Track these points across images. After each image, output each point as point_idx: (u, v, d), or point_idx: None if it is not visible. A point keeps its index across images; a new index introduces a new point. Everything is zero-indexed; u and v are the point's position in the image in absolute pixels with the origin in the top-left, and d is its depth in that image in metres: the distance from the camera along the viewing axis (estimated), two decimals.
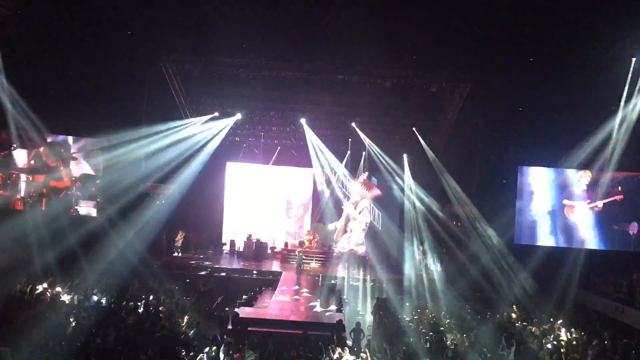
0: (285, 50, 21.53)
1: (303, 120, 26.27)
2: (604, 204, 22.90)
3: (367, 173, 28.05)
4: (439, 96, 23.86)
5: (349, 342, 14.95)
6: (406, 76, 22.57)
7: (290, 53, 21.83)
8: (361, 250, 27.77)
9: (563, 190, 23.14)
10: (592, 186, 23.00)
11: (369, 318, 18.88)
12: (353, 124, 26.24)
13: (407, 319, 17.36)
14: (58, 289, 16.99)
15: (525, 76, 20.90)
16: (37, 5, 18.66)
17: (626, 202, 22.73)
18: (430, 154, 27.46)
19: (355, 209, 28.23)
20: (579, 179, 23.06)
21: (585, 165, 22.80)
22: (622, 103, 20.18)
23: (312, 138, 26.80)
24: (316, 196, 28.84)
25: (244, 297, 19.65)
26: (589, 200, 22.95)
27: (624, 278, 20.13)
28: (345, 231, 28.29)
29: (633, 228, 22.65)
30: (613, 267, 21.06)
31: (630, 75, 19.36)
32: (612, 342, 15.62)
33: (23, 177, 22.66)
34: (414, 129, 26.22)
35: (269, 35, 19.87)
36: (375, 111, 25.49)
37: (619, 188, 22.83)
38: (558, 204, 23.17)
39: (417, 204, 27.20)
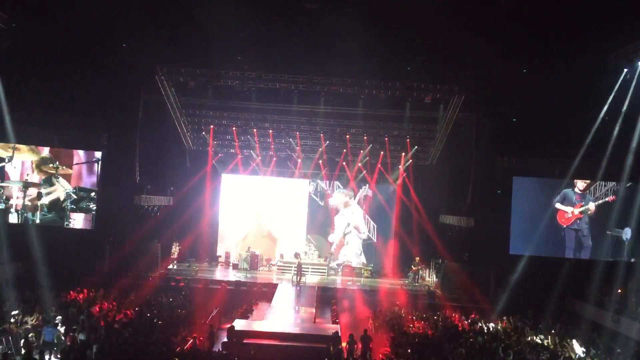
0: (280, 62, 21.61)
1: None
2: (596, 206, 23.00)
3: (367, 186, 28.08)
4: (433, 107, 23.97)
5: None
6: (401, 87, 22.68)
7: (286, 65, 21.91)
8: (358, 261, 27.76)
9: (557, 198, 23.19)
10: (586, 191, 23.11)
11: None
12: (348, 136, 26.32)
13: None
14: None
15: (519, 87, 21.04)
16: (31, 18, 18.66)
17: (619, 208, 22.75)
18: (424, 165, 27.61)
19: (348, 220, 28.34)
20: (575, 184, 23.16)
21: (579, 176, 22.89)
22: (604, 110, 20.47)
23: None
24: (312, 207, 28.83)
25: (240, 309, 19.58)
26: (581, 204, 23.04)
27: (619, 288, 20.16)
28: (343, 244, 28.30)
29: (627, 234, 22.69)
30: (608, 276, 21.06)
31: (617, 86, 19.54)
32: (607, 352, 15.68)
33: (17, 189, 22.55)
34: (407, 139, 26.32)
35: (264, 47, 19.94)
36: (370, 122, 25.57)
37: (612, 192, 22.95)
38: (553, 214, 23.21)
39: (413, 214, 27.27)
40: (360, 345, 15.55)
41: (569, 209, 23.09)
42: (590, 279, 21.06)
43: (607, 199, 22.89)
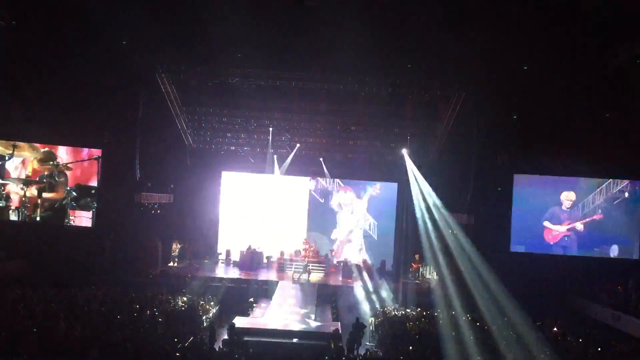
0: (280, 60, 21.56)
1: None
2: (583, 224, 23.01)
3: (377, 185, 27.94)
4: (433, 104, 23.95)
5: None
6: (401, 85, 22.66)
7: (286, 62, 21.86)
8: (359, 259, 27.74)
9: (545, 215, 23.17)
10: (574, 208, 23.07)
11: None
12: (348, 133, 26.31)
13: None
14: None
15: (519, 84, 21.01)
16: (31, 15, 18.64)
17: (606, 225, 22.96)
18: (424, 162, 27.56)
19: (353, 218, 28.30)
20: (562, 200, 23.10)
21: (578, 173, 22.86)
22: None
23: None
24: (312, 205, 28.82)
25: (240, 306, 19.59)
26: (568, 222, 23.00)
27: (620, 285, 20.16)
28: (346, 242, 28.28)
29: (613, 251, 22.66)
30: (608, 274, 21.10)
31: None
32: (608, 349, 15.67)
33: (17, 187, 22.55)
34: (407, 137, 26.31)
35: (265, 44, 19.90)
36: (371, 120, 25.55)
37: (599, 210, 23.10)
38: (551, 212, 23.22)
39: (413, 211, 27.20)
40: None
41: (556, 227, 23.04)
42: (590, 276, 21.10)
43: (594, 217, 22.93)
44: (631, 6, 15.82)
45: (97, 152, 23.14)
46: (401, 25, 18.32)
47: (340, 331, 16.28)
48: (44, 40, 19.68)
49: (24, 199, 22.38)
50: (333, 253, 27.89)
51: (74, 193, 22.93)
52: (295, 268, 24.85)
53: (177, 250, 26.27)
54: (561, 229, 22.91)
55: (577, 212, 22.98)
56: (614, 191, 23.09)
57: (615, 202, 22.87)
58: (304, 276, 23.85)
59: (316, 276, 25.07)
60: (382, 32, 18.34)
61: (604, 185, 23.28)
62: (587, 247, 23.06)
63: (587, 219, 22.87)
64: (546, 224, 22.99)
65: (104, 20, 17.86)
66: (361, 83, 22.67)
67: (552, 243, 22.93)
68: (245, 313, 18.71)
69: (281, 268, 26.16)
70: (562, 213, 23.06)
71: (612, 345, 16.12)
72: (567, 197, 23.16)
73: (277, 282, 23.09)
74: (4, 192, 22.34)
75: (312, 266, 25.61)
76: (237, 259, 26.74)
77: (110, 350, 13.02)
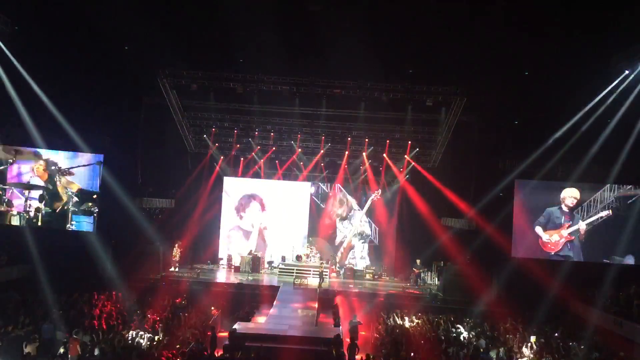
0: (282, 65, 21.63)
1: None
2: (587, 226, 21.49)
3: (378, 192, 27.89)
4: (435, 110, 23.98)
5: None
6: (403, 90, 22.71)
7: (287, 67, 21.94)
8: (362, 264, 27.72)
9: (540, 220, 22.15)
10: (577, 208, 21.86)
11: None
12: (349, 138, 26.35)
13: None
14: None
15: (520, 89, 21.01)
16: (34, 20, 18.71)
17: (617, 229, 21.39)
18: (426, 167, 27.57)
19: (354, 224, 28.28)
20: (564, 199, 22.12)
21: (581, 179, 22.75)
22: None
23: None
24: (313, 210, 28.81)
25: (242, 311, 19.55)
26: (568, 225, 21.77)
27: (622, 291, 20.06)
28: (352, 247, 28.25)
29: (628, 262, 21.11)
30: (611, 279, 20.97)
31: (612, 86, 19.43)
32: (610, 355, 15.62)
33: (19, 192, 22.57)
34: (409, 142, 26.33)
35: (266, 49, 19.98)
36: (372, 125, 25.59)
37: (609, 211, 21.64)
38: (553, 217, 22.94)
39: (414, 217, 27.18)
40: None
41: (554, 235, 21.33)
42: (593, 281, 20.98)
43: (601, 214, 21.04)
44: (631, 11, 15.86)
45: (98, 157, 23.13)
46: (403, 31, 18.38)
47: (341, 336, 16.24)
48: (47, 45, 19.73)
49: (25, 203, 22.40)
50: (336, 258, 27.88)
51: (76, 198, 22.93)
52: (297, 273, 24.79)
53: (178, 255, 26.25)
54: (561, 233, 22.23)
55: (580, 213, 22.32)
56: (627, 187, 21.13)
57: (629, 202, 21.36)
58: (319, 282, 23.71)
59: (327, 282, 24.96)
60: (383, 38, 18.41)
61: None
62: (592, 255, 21.60)
63: (592, 218, 21.93)
64: (538, 230, 21.98)
65: (106, 26, 17.93)
66: (362, 88, 22.73)
67: (552, 253, 22.21)
68: (246, 318, 18.67)
69: (282, 273, 26.12)
70: (563, 215, 22.47)
71: (615, 351, 16.09)
72: (570, 195, 21.73)
73: (279, 287, 23.03)
74: (5, 197, 22.35)
75: (312, 271, 25.63)
76: (239, 264, 26.72)
77: (112, 355, 13.02)
